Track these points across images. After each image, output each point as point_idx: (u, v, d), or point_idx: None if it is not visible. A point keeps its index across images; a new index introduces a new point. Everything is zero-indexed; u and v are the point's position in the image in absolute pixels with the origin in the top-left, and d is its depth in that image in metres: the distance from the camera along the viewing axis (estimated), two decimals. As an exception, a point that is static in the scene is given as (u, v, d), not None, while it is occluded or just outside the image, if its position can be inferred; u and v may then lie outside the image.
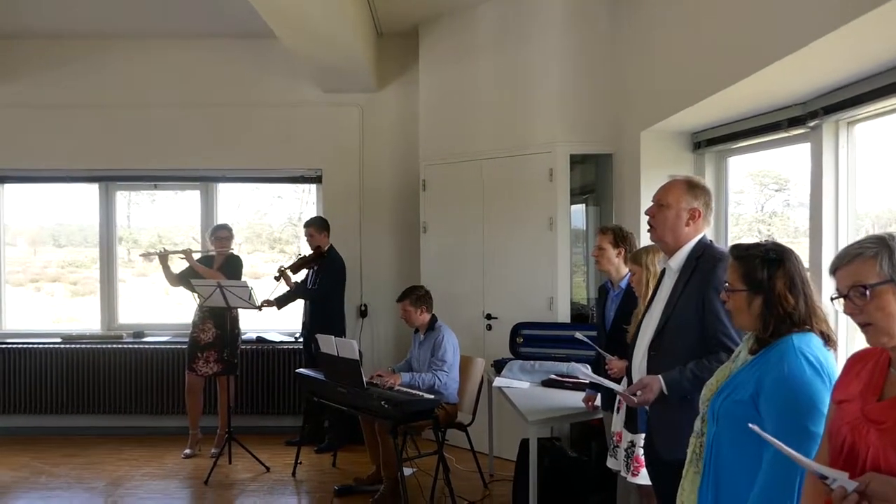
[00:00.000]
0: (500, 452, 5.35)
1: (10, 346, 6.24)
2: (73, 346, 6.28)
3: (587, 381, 4.02)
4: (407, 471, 4.58)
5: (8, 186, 6.66)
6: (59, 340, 6.35)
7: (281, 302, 5.74)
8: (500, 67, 5.54)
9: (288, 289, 5.77)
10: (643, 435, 2.82)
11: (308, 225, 5.80)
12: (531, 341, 5.10)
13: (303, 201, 7.26)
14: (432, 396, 4.51)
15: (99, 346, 6.29)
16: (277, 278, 5.67)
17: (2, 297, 6.69)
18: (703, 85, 3.73)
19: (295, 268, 5.73)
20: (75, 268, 7.35)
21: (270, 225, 7.43)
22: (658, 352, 2.57)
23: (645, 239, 3.21)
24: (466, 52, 5.75)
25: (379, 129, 6.45)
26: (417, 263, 6.07)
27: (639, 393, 2.52)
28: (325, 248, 5.74)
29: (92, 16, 5.78)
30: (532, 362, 4.83)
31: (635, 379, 2.65)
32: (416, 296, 4.92)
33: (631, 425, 2.98)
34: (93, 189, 6.65)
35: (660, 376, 2.48)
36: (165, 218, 7.29)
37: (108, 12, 5.72)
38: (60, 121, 6.30)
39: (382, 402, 4.32)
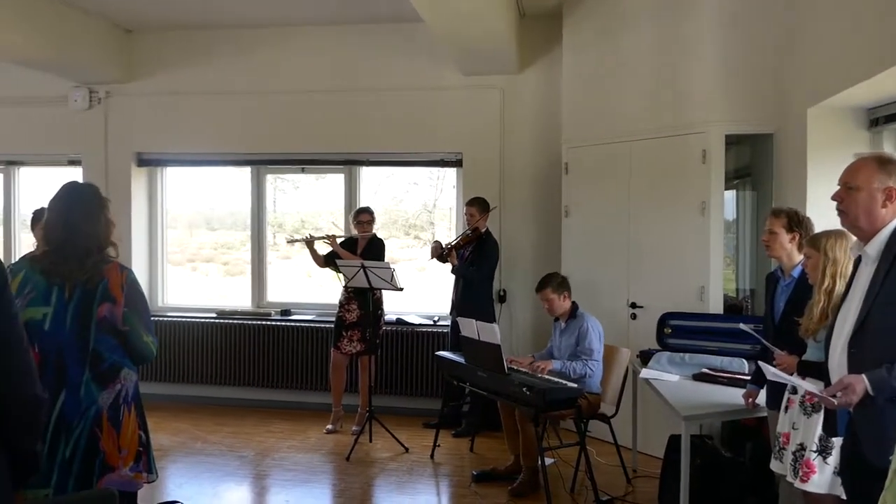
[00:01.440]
0: (645, 447, 5.12)
1: (170, 319, 6.66)
2: (226, 321, 6.62)
3: (748, 377, 3.74)
4: (547, 461, 4.46)
5: (169, 170, 7.07)
6: (213, 315, 6.71)
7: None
8: (649, 43, 5.27)
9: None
10: (837, 439, 2.55)
11: (470, 204, 5.79)
12: (680, 332, 4.82)
13: (437, 188, 7.27)
14: (575, 385, 4.36)
15: (249, 321, 6.59)
16: (446, 256, 5.69)
17: (164, 274, 7.13)
18: (882, 53, 3.34)
19: (459, 246, 5.75)
20: (227, 249, 7.73)
21: (406, 211, 7.49)
22: (859, 349, 2.29)
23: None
24: (613, 29, 5.51)
25: (520, 111, 6.33)
26: (558, 249, 5.91)
27: (839, 394, 2.26)
28: (484, 231, 5.73)
29: (245, 5, 5.99)
30: (682, 354, 4.57)
31: (833, 379, 2.38)
32: (556, 282, 4.78)
33: (829, 428, 2.69)
34: (244, 173, 6.95)
35: (863, 376, 2.21)
36: (308, 203, 7.51)
37: (260, 2, 5.92)
38: (216, 107, 6.61)
39: (524, 389, 4.22)
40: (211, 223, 7.93)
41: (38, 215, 5.05)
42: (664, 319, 4.88)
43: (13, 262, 5.35)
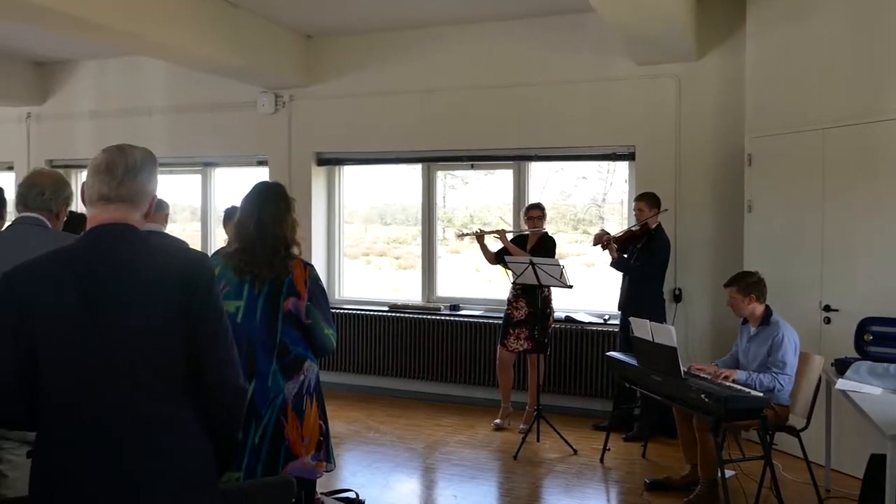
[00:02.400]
0: (840, 465, 4.67)
1: (346, 311, 6.95)
2: (398, 314, 6.81)
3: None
4: (727, 473, 4.18)
5: (346, 168, 7.39)
6: (386, 309, 6.93)
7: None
8: (850, 19, 4.78)
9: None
10: None
11: (639, 199, 5.59)
12: (884, 340, 4.34)
13: (607, 182, 7.06)
14: (761, 395, 4.05)
15: (420, 315, 6.74)
16: (605, 245, 5.56)
17: (341, 268, 7.46)
18: None
19: (620, 240, 5.59)
20: (398, 244, 7.96)
21: (574, 206, 7.34)
22: None
23: None
24: (803, 8, 5.06)
25: (698, 100, 5.98)
26: (739, 246, 5.54)
27: None
28: (654, 226, 5.50)
29: (416, 7, 6.11)
30: (885, 364, 4.11)
31: None
32: (745, 283, 4.43)
33: None
34: (416, 170, 7.12)
35: None
36: (477, 199, 7.56)
37: (430, 2, 6.01)
38: (390, 106, 6.80)
39: (703, 396, 3.97)
40: (384, 218, 8.21)
41: (229, 213, 5.43)
42: (864, 325, 4.42)
43: (211, 256, 5.84)
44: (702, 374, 4.36)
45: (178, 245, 2.04)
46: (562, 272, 5.22)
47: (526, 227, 5.88)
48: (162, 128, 7.59)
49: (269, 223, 2.93)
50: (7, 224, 3.39)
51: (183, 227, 8.05)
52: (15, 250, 2.72)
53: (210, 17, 5.74)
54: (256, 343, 2.87)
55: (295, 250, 2.98)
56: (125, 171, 1.93)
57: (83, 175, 8.33)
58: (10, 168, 8.43)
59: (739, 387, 4.11)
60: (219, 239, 7.67)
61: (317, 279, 2.98)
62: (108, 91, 7.88)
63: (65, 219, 3.10)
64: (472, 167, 6.97)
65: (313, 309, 2.91)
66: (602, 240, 5.62)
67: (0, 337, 1.84)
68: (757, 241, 5.39)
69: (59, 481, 1.81)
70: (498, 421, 5.84)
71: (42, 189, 2.95)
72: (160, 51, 5.90)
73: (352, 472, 4.92)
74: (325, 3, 6.01)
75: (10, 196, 3.42)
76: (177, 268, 1.90)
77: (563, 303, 6.20)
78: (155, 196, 2.02)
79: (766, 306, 4.42)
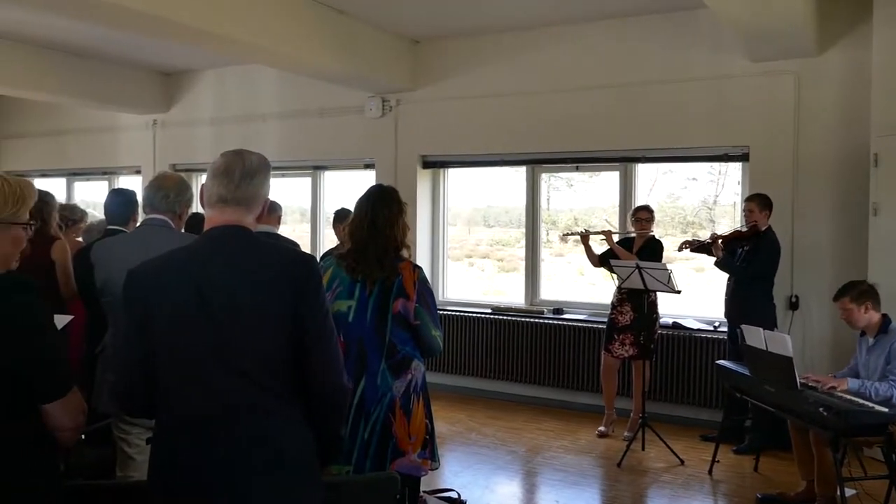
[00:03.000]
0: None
1: (449, 313, 7.02)
2: (500, 317, 6.82)
3: None
4: (847, 492, 3.96)
5: (451, 171, 7.46)
6: (489, 311, 6.96)
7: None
8: None
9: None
10: None
11: (749, 200, 5.39)
12: None
13: (718, 184, 6.82)
14: (886, 410, 3.82)
15: (522, 319, 6.72)
16: (708, 244, 5.43)
17: (445, 269, 7.54)
18: None
19: (727, 239, 5.41)
20: (502, 246, 7.97)
21: (683, 208, 7.13)
22: None
23: None
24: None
25: (818, 97, 5.68)
26: (862, 251, 5.22)
27: None
28: (763, 229, 5.29)
29: (522, 8, 6.10)
30: None
31: None
32: (858, 291, 4.19)
33: None
34: (520, 172, 7.11)
35: None
36: (581, 201, 7.48)
37: (536, 3, 5.99)
38: (494, 109, 6.81)
39: (821, 409, 3.79)
40: (488, 220, 8.25)
41: (339, 214, 5.62)
42: None
43: (321, 257, 6.03)
44: (809, 383, 4.16)
45: (289, 248, 2.12)
46: (669, 277, 5.09)
47: (633, 230, 5.77)
48: (275, 132, 7.92)
49: (382, 225, 3.01)
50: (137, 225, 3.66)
51: (293, 228, 8.34)
52: (142, 250, 2.93)
53: (322, 26, 5.95)
54: (367, 342, 2.95)
55: (405, 253, 3.06)
56: (241, 175, 2.04)
57: (203, 178, 8.78)
58: (138, 172, 9.00)
59: (861, 401, 3.88)
60: (327, 239, 7.90)
61: (425, 281, 3.04)
62: (226, 98, 8.29)
63: (186, 219, 3.30)
64: (577, 169, 6.89)
65: (421, 310, 2.97)
66: (697, 243, 5.50)
67: (126, 331, 1.99)
68: (883, 246, 5.07)
69: (173, 467, 1.93)
70: (602, 428, 5.75)
71: (167, 192, 3.15)
72: (276, 60, 6.18)
73: (454, 473, 4.96)
74: (433, 8, 6.11)
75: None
76: (286, 269, 1.99)
77: (670, 308, 6.04)
78: (268, 199, 2.12)
79: (884, 314, 4.17)
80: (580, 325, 6.46)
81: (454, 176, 7.54)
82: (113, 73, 8.15)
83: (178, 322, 1.94)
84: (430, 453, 3.05)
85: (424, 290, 3.01)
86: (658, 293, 5.51)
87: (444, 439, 5.58)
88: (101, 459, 3.20)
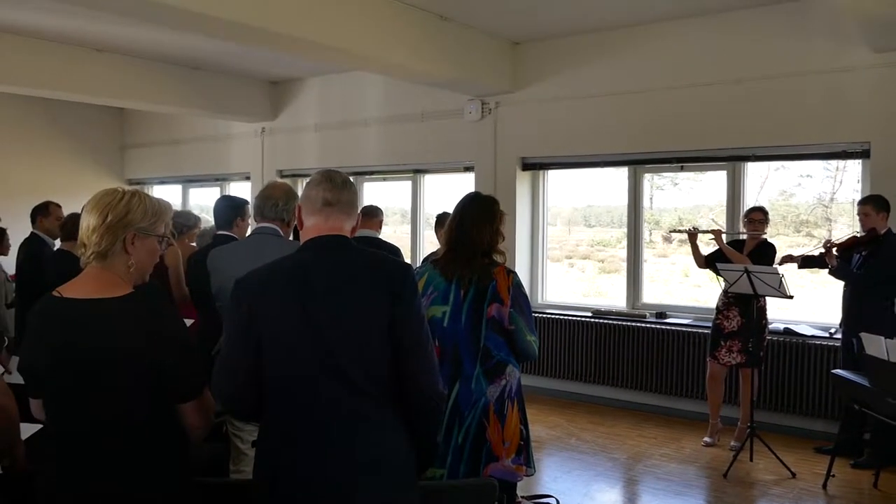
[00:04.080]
0: None
1: (549, 316, 6.96)
2: (601, 320, 6.70)
3: None
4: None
5: (550, 172, 7.40)
6: (589, 314, 6.85)
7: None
8: None
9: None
10: None
11: (864, 203, 5.09)
12: None
13: (836, 180, 6.45)
14: None
15: (624, 322, 6.58)
16: (823, 256, 5.19)
17: (544, 271, 7.48)
18: None
19: (842, 247, 5.12)
20: (602, 246, 7.83)
21: (796, 207, 6.78)
22: None
23: None
24: None
25: (948, 89, 5.28)
26: None
27: None
28: (882, 232, 4.98)
29: (623, 6, 5.97)
30: None
31: None
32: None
33: None
34: (621, 172, 6.96)
35: None
36: (686, 200, 7.24)
37: (634, 0, 5.85)
38: (594, 109, 6.69)
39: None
40: (588, 220, 8.12)
41: (440, 219, 5.68)
42: None
43: (419, 261, 6.13)
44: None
45: (386, 257, 2.18)
46: (780, 281, 4.85)
47: (744, 231, 5.53)
48: (376, 137, 8.09)
49: (469, 227, 3.04)
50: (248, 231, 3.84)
51: (394, 230, 8.49)
52: (254, 258, 3.06)
53: (424, 32, 6.03)
54: (461, 347, 2.97)
55: (499, 258, 3.06)
56: (342, 180, 2.18)
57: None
58: (248, 178, 9.41)
59: None
60: (427, 241, 8.01)
61: (520, 286, 3.03)
62: (330, 105, 8.53)
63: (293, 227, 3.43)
64: (682, 169, 6.68)
65: (516, 315, 2.97)
66: (790, 260, 5.35)
67: (234, 337, 2.09)
68: None
69: (276, 469, 2.02)
70: (707, 438, 5.54)
71: (276, 201, 3.29)
72: (380, 67, 6.32)
73: (552, 478, 4.92)
74: (533, 9, 6.06)
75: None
76: (384, 277, 2.06)
77: (781, 313, 5.77)
78: (359, 215, 2.23)
79: None
80: (684, 329, 6.25)
81: (554, 177, 7.47)
82: (225, 84, 8.57)
83: (282, 329, 2.03)
84: (524, 459, 3.04)
85: (519, 295, 3.01)
86: (767, 298, 5.27)
87: (543, 444, 5.54)
88: (216, 455, 3.37)
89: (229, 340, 2.10)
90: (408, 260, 6.76)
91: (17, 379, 3.30)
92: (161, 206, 2.15)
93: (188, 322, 4.15)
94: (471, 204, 3.12)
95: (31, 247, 5.61)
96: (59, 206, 5.81)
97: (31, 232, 5.72)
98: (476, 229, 3.03)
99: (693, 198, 7.20)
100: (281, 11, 4.98)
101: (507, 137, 7.24)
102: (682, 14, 6.14)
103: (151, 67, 7.97)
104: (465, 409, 2.94)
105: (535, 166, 7.28)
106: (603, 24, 6.46)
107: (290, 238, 3.40)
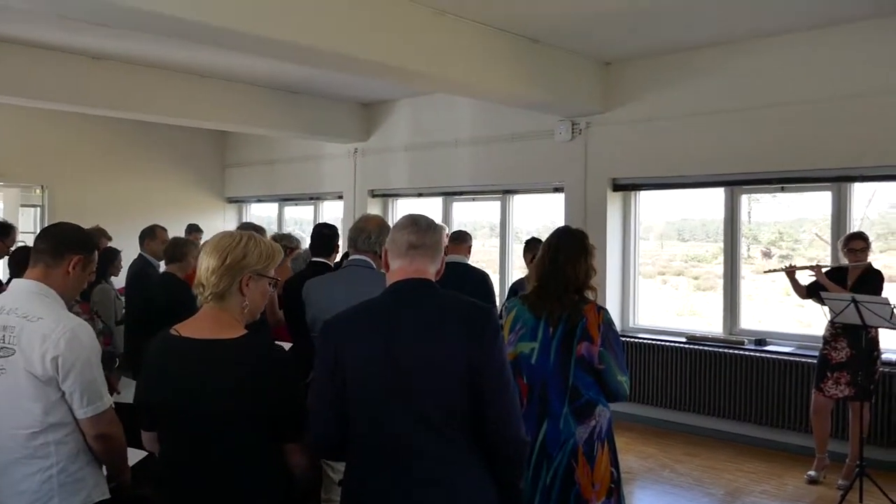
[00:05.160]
0: None
1: (641, 341, 6.78)
2: (696, 346, 6.47)
3: None
4: None
5: (642, 194, 7.22)
6: (683, 340, 6.63)
7: None
8: None
9: None
10: None
11: None
12: None
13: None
14: None
15: (720, 349, 6.33)
16: None
17: (636, 294, 7.29)
18: None
19: None
20: (697, 262, 7.60)
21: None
22: None
23: None
24: None
25: None
26: None
27: None
28: None
29: (719, 22, 5.77)
30: None
31: None
32: None
33: None
34: (717, 191, 6.73)
35: None
36: (788, 213, 6.91)
37: (734, 17, 5.65)
38: (688, 129, 6.49)
39: None
40: (682, 234, 7.90)
41: (529, 243, 5.66)
42: None
43: (509, 292, 6.08)
44: None
45: (468, 300, 2.19)
46: (892, 312, 4.57)
47: (845, 260, 5.24)
48: (466, 158, 8.13)
49: (562, 262, 3.00)
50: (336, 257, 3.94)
51: (482, 243, 8.47)
52: (347, 290, 3.14)
53: (516, 56, 6.03)
54: (549, 385, 2.93)
55: (590, 295, 3.01)
56: (427, 224, 2.22)
57: (399, 203, 9.25)
58: (340, 197, 9.63)
59: None
60: (515, 255, 7.92)
61: (610, 324, 2.97)
62: (421, 126, 8.64)
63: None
64: (783, 190, 6.38)
65: (606, 354, 2.90)
66: None
67: (321, 377, 2.15)
68: None
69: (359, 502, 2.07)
70: (812, 473, 5.26)
71: (369, 233, 3.36)
72: (472, 92, 6.39)
73: (645, 512, 4.79)
74: (625, 29, 5.94)
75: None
76: (465, 321, 2.08)
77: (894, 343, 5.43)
78: (444, 259, 2.26)
79: None
80: (786, 358, 5.96)
81: (646, 197, 7.30)
82: (319, 106, 8.83)
83: (366, 371, 2.08)
84: (615, 502, 2.96)
85: (610, 334, 2.94)
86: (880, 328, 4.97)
87: (635, 475, 5.39)
88: (308, 482, 3.44)
89: (318, 380, 2.16)
90: (495, 279, 6.73)
91: (125, 398, 3.48)
92: (273, 250, 2.23)
93: (285, 346, 4.31)
94: (563, 238, 3.07)
95: (139, 267, 5.91)
96: (164, 230, 6.11)
97: (139, 253, 6.03)
98: (570, 265, 2.98)
99: (795, 211, 6.86)
100: (374, 41, 5.08)
101: (598, 158, 7.12)
102: (782, 30, 5.88)
103: (251, 92, 8.30)
104: (554, 450, 2.90)
105: (626, 187, 7.13)
106: (697, 41, 6.28)
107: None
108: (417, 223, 2.19)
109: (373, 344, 2.07)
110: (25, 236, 8.22)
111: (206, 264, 2.14)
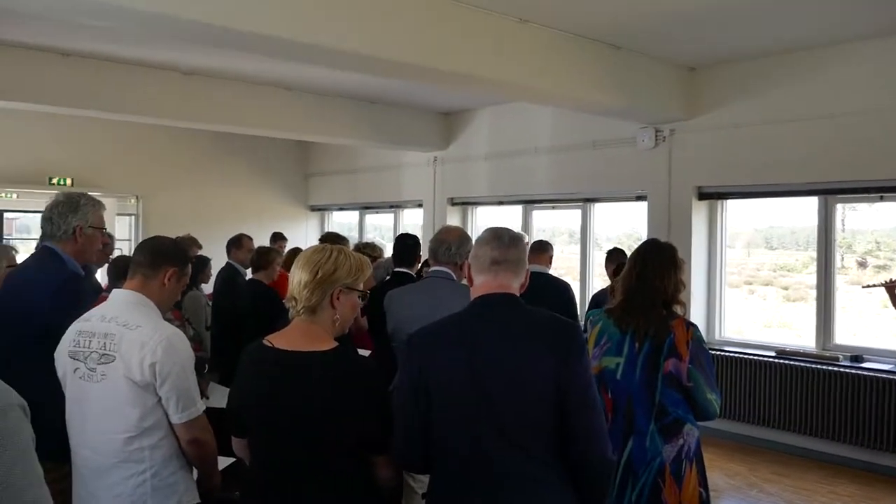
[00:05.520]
0: None
1: (728, 354, 6.55)
2: (786, 361, 6.22)
3: None
4: None
5: (729, 203, 6.99)
6: (773, 354, 6.37)
7: None
8: None
9: None
10: None
11: None
12: None
13: None
14: None
15: (812, 365, 6.05)
16: None
17: (722, 306, 7.05)
18: None
19: None
20: (786, 271, 7.31)
21: None
22: None
23: None
24: None
25: None
26: None
27: None
28: None
29: (806, 26, 5.54)
30: None
31: None
32: None
33: None
34: (808, 199, 6.45)
35: None
36: (886, 221, 6.55)
37: (823, 20, 5.41)
38: (777, 136, 6.24)
39: None
40: (770, 242, 7.61)
41: (612, 254, 5.58)
42: None
43: (590, 288, 5.98)
44: None
45: (553, 316, 2.16)
46: None
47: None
48: (546, 166, 8.07)
49: (650, 276, 2.92)
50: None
51: (561, 249, 8.36)
52: (427, 300, 3.16)
53: (598, 63, 5.95)
54: (635, 401, 2.86)
55: (678, 310, 2.93)
56: (510, 238, 2.20)
57: (478, 211, 9.26)
58: (420, 205, 9.72)
59: None
60: (595, 263, 7.84)
61: (700, 340, 2.88)
62: (500, 134, 8.63)
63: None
64: (882, 198, 6.06)
65: (695, 371, 2.81)
66: None
67: (406, 391, 2.16)
68: None
69: None
70: (914, 498, 4.99)
71: (449, 245, 3.37)
72: (555, 100, 6.35)
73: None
74: (712, 33, 5.77)
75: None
76: (551, 337, 2.06)
77: None
78: (528, 272, 2.23)
79: None
80: (885, 376, 5.66)
81: (732, 206, 7.06)
82: (400, 116, 8.94)
83: (449, 386, 2.08)
84: (706, 524, 2.87)
85: (699, 350, 2.85)
86: None
87: (721, 493, 5.21)
88: (390, 491, 3.47)
89: (402, 394, 2.17)
90: (576, 287, 6.63)
91: (213, 403, 3.59)
92: (362, 263, 2.26)
93: (365, 353, 4.37)
94: (652, 252, 2.99)
95: (227, 275, 6.10)
96: (250, 239, 6.29)
97: (227, 262, 6.23)
98: (658, 279, 2.90)
99: (892, 218, 6.50)
100: (454, 51, 5.09)
101: (683, 166, 6.95)
102: (879, 33, 5.60)
103: (334, 103, 8.47)
104: (639, 468, 2.82)
105: (712, 196, 6.92)
106: (788, 45, 6.04)
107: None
108: (500, 238, 2.18)
109: (456, 360, 2.07)
110: (121, 243, 8.65)
111: (298, 278, 2.17)
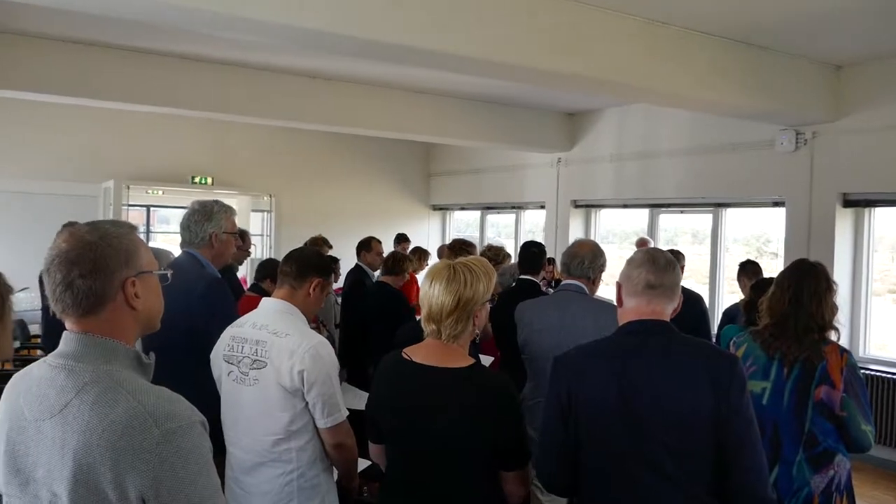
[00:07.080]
0: None
1: (875, 373, 6.10)
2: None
3: None
4: None
5: (878, 210, 6.52)
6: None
7: None
8: None
9: None
10: None
11: None
12: None
13: None
14: None
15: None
16: None
17: (867, 316, 6.59)
18: None
19: None
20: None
21: None
22: None
23: None
24: None
25: None
26: None
27: None
28: None
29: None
30: None
31: None
32: None
33: None
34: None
35: None
36: None
37: None
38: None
39: None
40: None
41: (745, 266, 5.34)
42: None
43: (720, 296, 5.73)
44: None
45: (710, 346, 2.09)
46: None
47: None
48: (674, 169, 7.82)
49: (806, 300, 2.77)
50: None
51: (685, 251, 8.08)
52: (558, 315, 3.14)
53: (737, 65, 5.66)
54: (782, 428, 2.73)
55: (832, 335, 2.76)
56: (666, 262, 2.13)
57: (601, 213, 9.10)
58: (542, 206, 9.65)
59: None
60: (726, 268, 7.55)
61: (855, 368, 2.71)
62: (627, 136, 8.43)
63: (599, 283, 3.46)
64: None
65: (849, 401, 2.65)
66: None
67: (552, 415, 2.15)
68: None
69: None
70: None
71: (582, 259, 3.33)
72: (688, 102, 6.07)
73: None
74: (862, 27, 5.35)
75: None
76: (708, 369, 1.98)
77: None
78: (681, 297, 2.15)
79: None
80: None
81: (881, 214, 6.57)
82: (523, 116, 8.90)
83: (599, 413, 2.04)
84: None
85: (853, 378, 2.69)
86: None
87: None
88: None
89: (548, 417, 2.16)
90: (703, 292, 6.33)
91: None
92: (491, 277, 2.25)
93: (489, 360, 4.39)
94: (807, 275, 2.81)
95: (356, 277, 6.29)
96: (379, 242, 6.45)
97: (356, 264, 6.42)
98: (815, 304, 2.75)
99: None
100: (588, 56, 4.98)
101: (826, 170, 6.53)
102: None
103: (458, 105, 8.54)
104: (785, 497, 2.70)
105: (859, 203, 6.46)
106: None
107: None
108: (656, 261, 2.11)
109: (607, 386, 2.03)
110: (255, 238, 9.10)
111: (439, 301, 2.14)
